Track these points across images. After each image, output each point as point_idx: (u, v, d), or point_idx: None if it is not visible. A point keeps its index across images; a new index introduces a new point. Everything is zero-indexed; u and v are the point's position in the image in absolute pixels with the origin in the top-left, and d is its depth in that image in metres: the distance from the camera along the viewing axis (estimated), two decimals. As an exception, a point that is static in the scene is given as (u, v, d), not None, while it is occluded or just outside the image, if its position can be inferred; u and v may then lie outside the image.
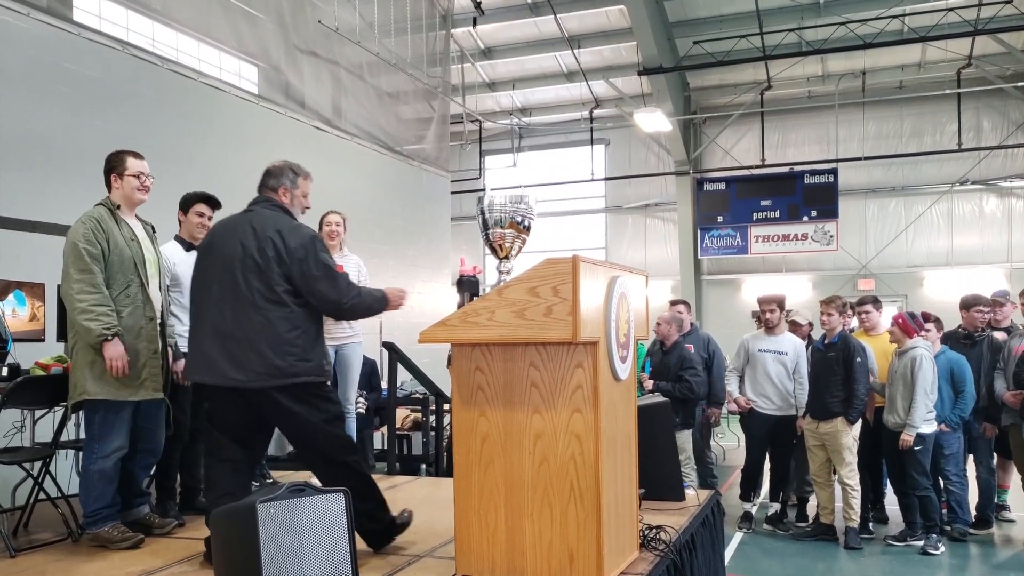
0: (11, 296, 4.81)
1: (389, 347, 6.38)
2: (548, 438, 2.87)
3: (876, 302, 6.66)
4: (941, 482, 6.20)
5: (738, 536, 6.44)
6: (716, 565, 4.23)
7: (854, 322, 7.05)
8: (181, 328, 4.23)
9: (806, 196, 15.67)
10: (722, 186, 16.40)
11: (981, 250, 15.51)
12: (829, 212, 15.57)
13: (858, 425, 6.03)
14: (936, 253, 15.80)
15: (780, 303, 6.62)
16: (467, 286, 3.19)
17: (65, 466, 4.66)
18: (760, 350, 6.50)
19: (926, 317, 6.13)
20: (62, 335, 4.37)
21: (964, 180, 15.45)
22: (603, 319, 2.94)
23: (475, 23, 13.89)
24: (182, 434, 4.28)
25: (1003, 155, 15.34)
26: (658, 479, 4.07)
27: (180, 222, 4.46)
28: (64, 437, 4.28)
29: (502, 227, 3.17)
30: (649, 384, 6.44)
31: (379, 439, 7.68)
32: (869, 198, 16.20)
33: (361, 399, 7.09)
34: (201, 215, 4.39)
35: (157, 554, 3.59)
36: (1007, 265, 15.23)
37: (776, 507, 6.66)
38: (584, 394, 2.83)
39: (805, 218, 15.72)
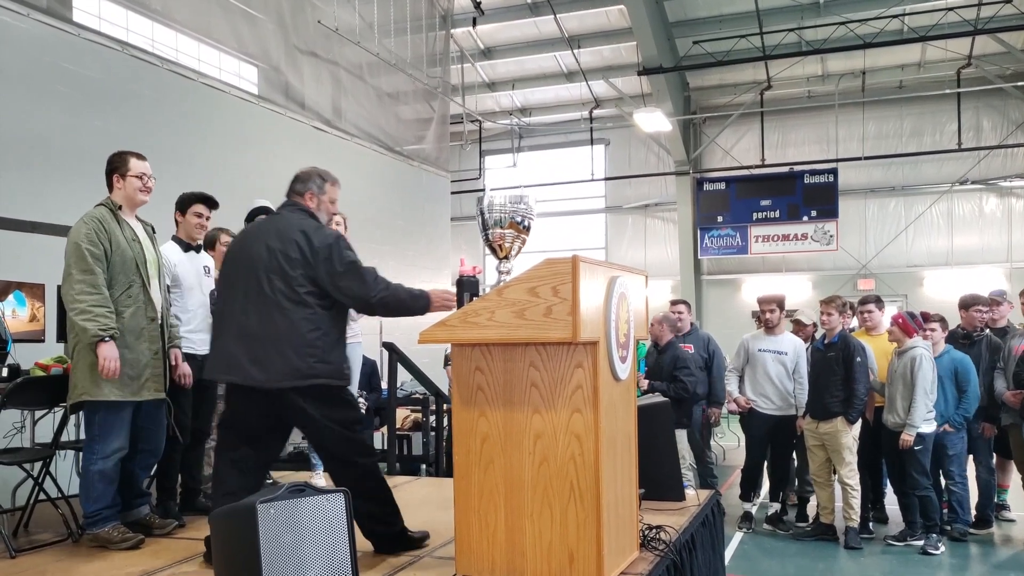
0: (11, 297, 4.81)
1: (389, 347, 6.38)
2: (548, 438, 2.87)
3: (878, 301, 6.66)
4: (943, 482, 6.21)
5: (738, 536, 6.44)
6: (716, 565, 4.23)
7: (854, 322, 7.05)
8: (183, 329, 4.23)
9: (806, 196, 15.68)
10: (722, 186, 16.40)
11: (981, 250, 15.51)
12: (829, 212, 15.57)
13: (858, 425, 6.03)
14: (936, 253, 15.81)
15: (780, 303, 6.63)
16: (467, 286, 3.18)
17: (65, 467, 4.66)
18: (760, 350, 6.50)
19: (926, 317, 6.13)
20: (62, 336, 4.37)
21: (964, 180, 15.45)
22: (603, 319, 2.94)
23: (475, 23, 13.90)
24: (182, 435, 4.28)
25: (1003, 155, 15.34)
26: (658, 479, 4.07)
27: (177, 222, 4.44)
28: (64, 438, 4.28)
29: (502, 227, 3.16)
30: (644, 384, 6.45)
31: (379, 439, 7.69)
32: (869, 198, 16.20)
33: (361, 399, 7.09)
34: (199, 215, 4.38)
35: (157, 555, 3.59)
36: (1007, 265, 15.23)
37: (776, 507, 6.66)
38: (584, 394, 2.84)
39: (805, 218, 15.72)
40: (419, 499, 4.35)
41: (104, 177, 3.90)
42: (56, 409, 4.23)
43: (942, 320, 6.24)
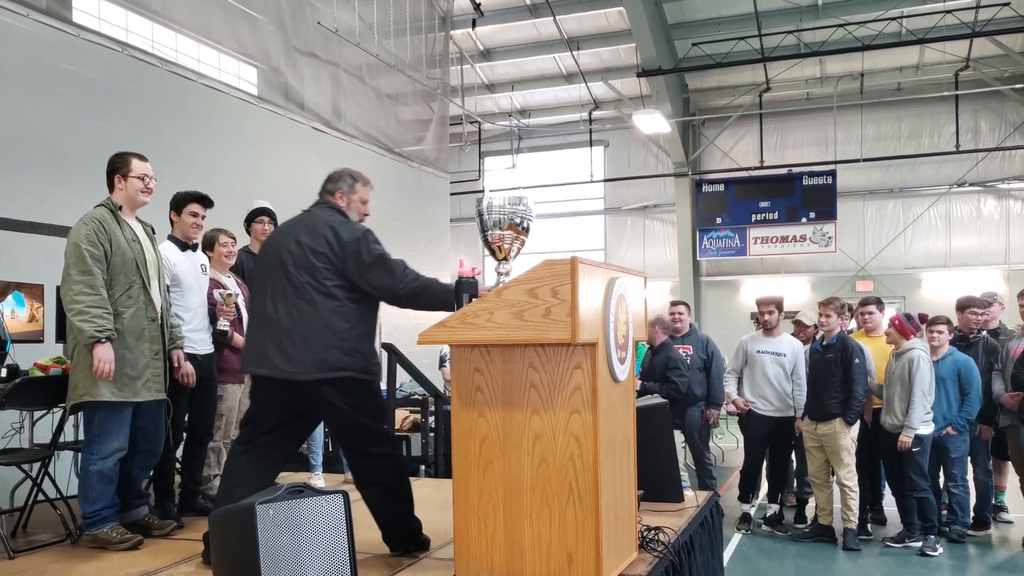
0: (10, 297, 4.81)
1: (388, 348, 6.38)
2: (547, 439, 2.88)
3: (879, 303, 6.67)
4: (942, 482, 6.22)
5: (737, 537, 6.45)
6: (715, 566, 4.24)
7: (852, 323, 7.06)
8: (185, 329, 4.23)
9: (805, 198, 15.69)
10: (721, 188, 16.42)
11: (979, 252, 15.53)
12: (827, 214, 15.59)
13: (856, 426, 6.04)
14: (934, 254, 15.82)
15: (779, 304, 6.64)
16: (466, 287, 3.18)
17: (64, 467, 4.66)
18: (758, 351, 6.51)
19: (923, 319, 6.14)
20: (61, 336, 4.37)
21: (962, 182, 15.47)
22: (602, 320, 2.94)
23: (474, 25, 13.90)
24: (178, 436, 4.29)
25: (1001, 157, 15.36)
26: (657, 480, 4.07)
27: (172, 222, 4.43)
28: (63, 438, 4.28)
29: (501, 228, 3.16)
30: (637, 385, 6.47)
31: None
32: (867, 200, 16.22)
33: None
34: (195, 215, 4.38)
35: (156, 555, 3.59)
36: (1005, 266, 15.25)
37: (774, 508, 6.67)
38: (583, 395, 2.84)
39: (804, 219, 15.74)
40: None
41: (104, 177, 3.91)
42: (55, 410, 4.23)
43: (948, 322, 6.22)
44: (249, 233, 5.35)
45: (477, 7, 13.28)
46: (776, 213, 15.92)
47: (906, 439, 5.76)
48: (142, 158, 3.91)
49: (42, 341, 4.94)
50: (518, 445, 2.91)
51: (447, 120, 12.66)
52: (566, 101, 17.53)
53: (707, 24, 14.50)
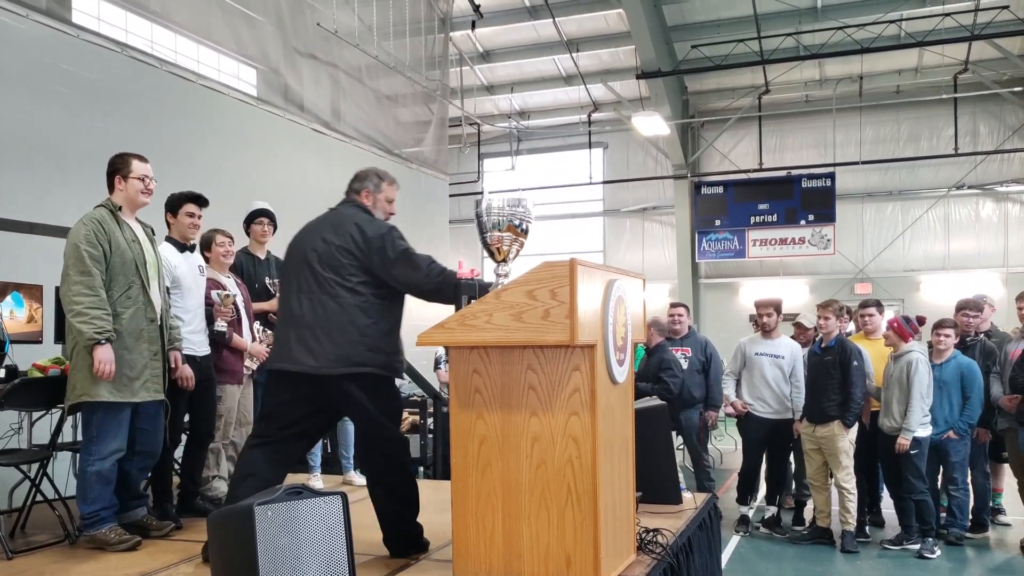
0: (9, 298, 4.81)
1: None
2: (545, 441, 2.88)
3: (879, 305, 6.68)
4: (939, 484, 6.22)
5: (735, 539, 6.45)
6: (713, 568, 4.24)
7: (850, 326, 7.06)
8: (185, 330, 4.23)
9: (803, 200, 15.71)
10: (720, 190, 16.43)
11: (977, 254, 15.55)
12: (826, 216, 15.61)
13: (855, 429, 6.04)
14: (933, 257, 15.84)
15: (777, 307, 6.64)
16: (465, 289, 3.19)
17: (63, 468, 4.66)
18: (757, 354, 6.51)
19: (921, 321, 6.14)
20: (60, 337, 4.37)
21: (960, 184, 15.50)
22: (600, 322, 2.95)
23: (474, 26, 13.91)
24: (176, 437, 4.28)
25: (999, 160, 15.39)
26: (655, 482, 4.07)
27: (169, 224, 4.42)
28: (61, 439, 4.28)
29: (500, 230, 3.17)
30: None
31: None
32: (866, 202, 16.24)
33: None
34: (191, 215, 4.38)
35: (154, 556, 3.59)
36: (1003, 269, 15.27)
37: (773, 510, 6.67)
38: (581, 397, 2.84)
39: (802, 222, 15.76)
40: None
41: (104, 178, 3.91)
42: (54, 410, 4.23)
43: (955, 326, 6.21)
44: (248, 234, 5.35)
45: (476, 9, 13.29)
46: (775, 215, 15.94)
47: (904, 441, 5.76)
48: (142, 159, 3.91)
49: (41, 342, 4.94)
50: (517, 447, 2.91)
51: (446, 122, 12.66)
52: (565, 103, 17.55)
53: (706, 26, 14.52)
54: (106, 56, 6.73)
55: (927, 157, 15.47)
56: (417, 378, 6.65)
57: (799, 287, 16.41)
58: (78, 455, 3.91)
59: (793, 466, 7.07)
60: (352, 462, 5.51)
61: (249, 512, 2.63)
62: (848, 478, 6.00)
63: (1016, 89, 14.64)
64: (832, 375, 5.92)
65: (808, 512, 6.65)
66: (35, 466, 4.10)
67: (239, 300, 4.73)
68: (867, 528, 6.40)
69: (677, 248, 16.95)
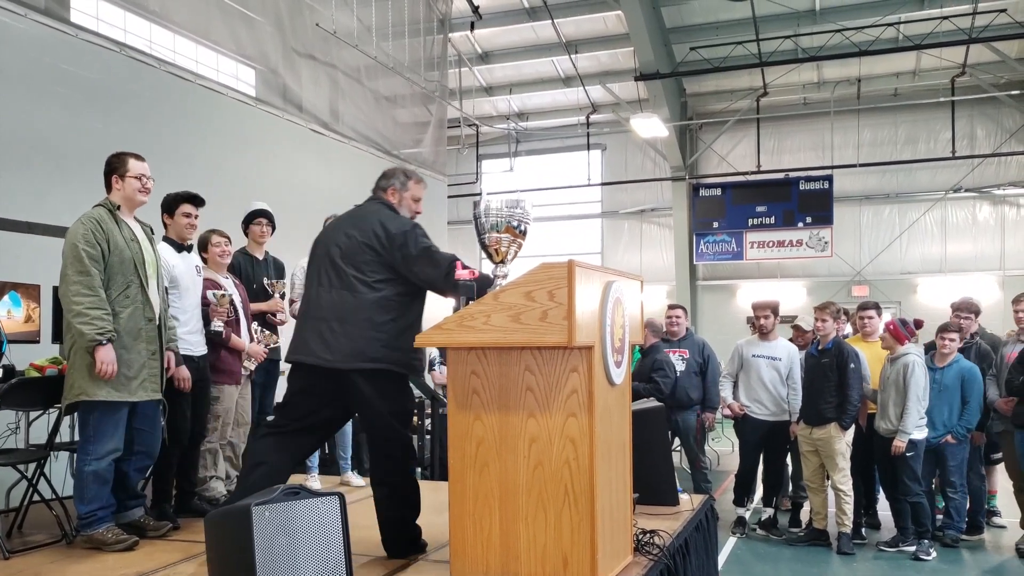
0: (6, 297, 4.80)
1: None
2: (543, 442, 2.88)
3: (878, 308, 6.70)
4: (936, 486, 6.24)
5: (731, 541, 6.46)
6: (709, 570, 4.25)
7: (848, 328, 7.07)
8: (181, 330, 4.23)
9: (801, 202, 15.72)
10: (718, 192, 16.44)
11: (974, 257, 15.57)
12: (824, 218, 15.62)
13: (851, 431, 6.05)
14: (930, 260, 15.86)
15: (774, 309, 6.66)
16: (463, 290, 3.20)
17: (60, 468, 4.65)
18: (754, 355, 6.53)
19: (918, 324, 6.15)
20: (57, 336, 4.37)
21: (958, 188, 15.52)
22: (598, 324, 2.95)
23: (472, 27, 13.91)
24: (180, 439, 4.28)
25: (997, 163, 15.41)
26: (652, 483, 4.08)
27: (166, 224, 4.42)
28: (59, 439, 4.27)
29: (498, 231, 3.17)
30: None
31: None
32: (864, 205, 16.26)
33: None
34: (188, 215, 4.38)
35: (151, 556, 3.59)
36: (1000, 272, 15.30)
37: (769, 512, 6.68)
38: (579, 398, 2.85)
39: (800, 224, 15.77)
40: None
41: (103, 178, 3.91)
42: (51, 410, 4.23)
43: (959, 330, 6.21)
44: (246, 234, 5.35)
45: (475, 10, 13.29)
46: (773, 218, 15.95)
47: (900, 444, 5.77)
48: (139, 158, 3.91)
49: (38, 341, 4.93)
50: (514, 448, 2.91)
51: (445, 123, 12.66)
52: (564, 104, 17.55)
53: (705, 28, 14.53)
54: (105, 56, 6.73)
55: (924, 160, 15.49)
56: (415, 379, 6.64)
57: (796, 289, 16.42)
58: (75, 455, 3.91)
59: (790, 468, 7.08)
60: (350, 463, 5.51)
61: (246, 512, 2.63)
62: (844, 480, 6.01)
63: (1013, 92, 14.67)
64: (829, 377, 5.93)
65: (804, 514, 6.67)
66: (32, 466, 4.09)
67: (236, 300, 4.73)
68: (863, 530, 6.41)
69: (675, 250, 16.96)
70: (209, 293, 4.53)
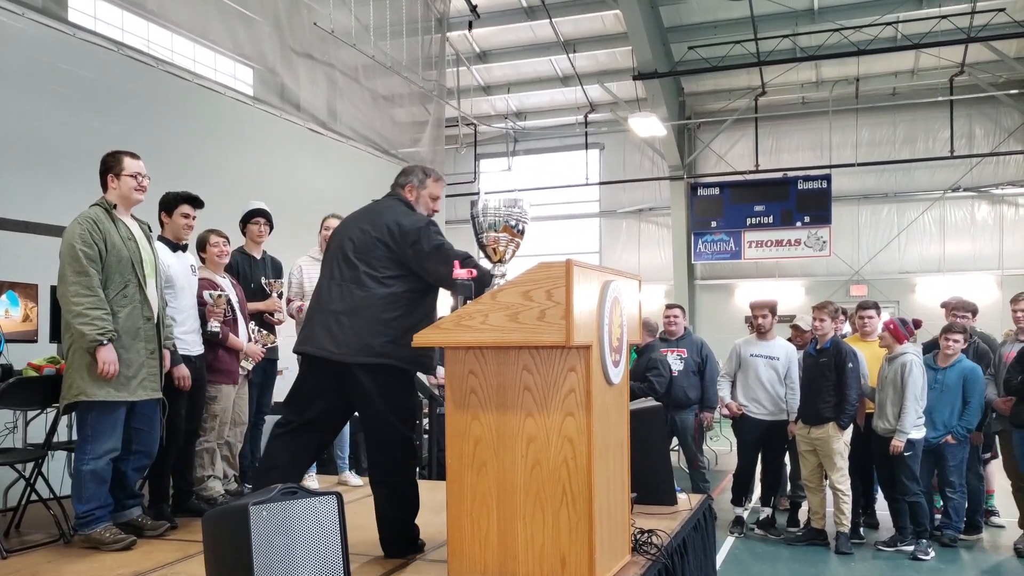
0: (4, 297, 4.80)
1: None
2: (541, 442, 2.88)
3: (877, 307, 6.70)
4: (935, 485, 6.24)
5: (729, 540, 6.46)
6: (707, 569, 4.25)
7: (846, 328, 7.08)
8: (178, 331, 4.22)
9: (799, 202, 15.73)
10: (716, 191, 16.45)
11: (973, 257, 15.58)
12: (822, 218, 15.63)
13: (849, 430, 6.05)
14: (928, 259, 15.87)
15: (772, 308, 6.66)
16: (461, 289, 3.20)
17: (57, 467, 4.65)
18: (752, 355, 6.53)
19: (917, 324, 6.15)
20: (55, 336, 4.37)
21: (956, 187, 15.53)
22: (596, 323, 2.95)
23: (470, 27, 13.90)
24: (177, 438, 4.27)
25: (995, 162, 15.42)
26: (650, 483, 4.08)
27: (163, 223, 4.42)
28: (56, 438, 4.27)
29: (496, 231, 3.17)
30: None
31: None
32: (862, 204, 16.27)
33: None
34: (186, 216, 4.38)
35: (149, 556, 3.59)
36: (998, 272, 15.31)
37: (767, 512, 6.69)
38: (577, 398, 2.85)
39: (798, 224, 15.79)
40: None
41: (99, 177, 3.90)
42: (49, 410, 4.22)
43: (964, 331, 6.20)
44: (244, 234, 5.35)
45: (473, 9, 13.29)
46: (771, 217, 15.96)
47: (898, 443, 5.78)
48: (134, 156, 3.90)
49: (36, 341, 4.93)
50: (512, 448, 2.91)
51: (443, 122, 12.65)
52: (562, 104, 17.55)
53: (703, 28, 14.53)
54: (103, 55, 6.72)
55: (923, 159, 15.50)
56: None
57: (795, 289, 16.43)
58: (73, 454, 3.90)
59: (788, 467, 7.08)
60: (347, 462, 5.51)
61: (244, 512, 2.63)
62: (843, 480, 6.02)
63: (1012, 92, 14.68)
64: (827, 377, 5.94)
65: (803, 513, 6.67)
66: (30, 465, 4.09)
67: (233, 300, 4.73)
68: (861, 530, 6.41)
69: (673, 249, 16.96)
70: (206, 293, 4.53)
